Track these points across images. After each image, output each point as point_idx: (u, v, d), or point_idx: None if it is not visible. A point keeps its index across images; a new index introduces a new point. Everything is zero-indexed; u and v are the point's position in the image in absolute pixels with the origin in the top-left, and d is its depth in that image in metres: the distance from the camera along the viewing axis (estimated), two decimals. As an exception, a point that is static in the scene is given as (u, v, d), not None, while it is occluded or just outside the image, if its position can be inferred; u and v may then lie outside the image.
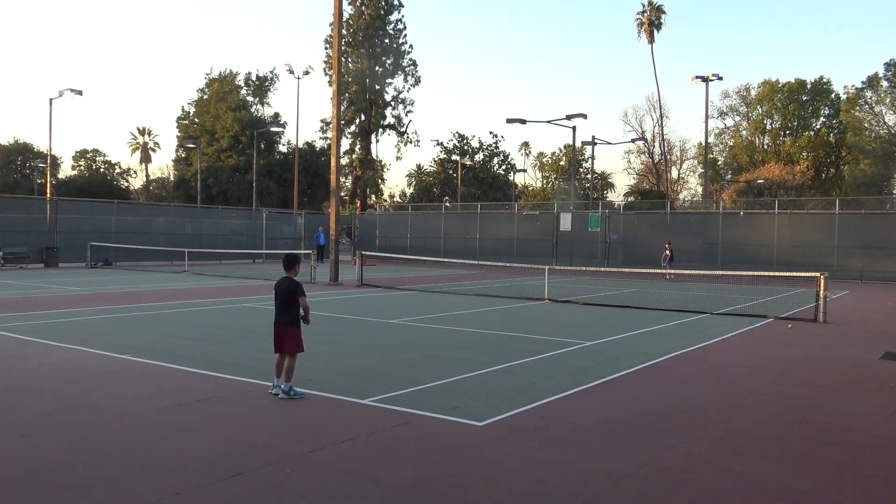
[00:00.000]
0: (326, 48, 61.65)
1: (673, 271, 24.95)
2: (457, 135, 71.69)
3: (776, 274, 21.05)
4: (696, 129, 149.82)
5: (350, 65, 60.31)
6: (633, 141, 59.97)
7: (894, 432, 6.51)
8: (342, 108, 51.15)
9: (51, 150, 39.64)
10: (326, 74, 61.11)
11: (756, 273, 21.77)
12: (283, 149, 62.45)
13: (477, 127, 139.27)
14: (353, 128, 62.53)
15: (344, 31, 56.73)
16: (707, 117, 49.48)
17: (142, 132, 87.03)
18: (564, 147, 75.56)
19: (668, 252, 27.39)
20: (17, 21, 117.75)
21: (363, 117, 62.44)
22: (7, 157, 68.97)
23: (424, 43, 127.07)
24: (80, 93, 34.53)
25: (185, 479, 4.92)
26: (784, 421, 6.80)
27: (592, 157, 47.19)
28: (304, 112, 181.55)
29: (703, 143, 55.44)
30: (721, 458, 5.63)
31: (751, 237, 32.23)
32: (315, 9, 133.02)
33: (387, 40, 61.65)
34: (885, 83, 55.53)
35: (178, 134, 64.04)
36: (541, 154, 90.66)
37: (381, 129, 64.39)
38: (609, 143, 46.21)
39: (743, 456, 5.66)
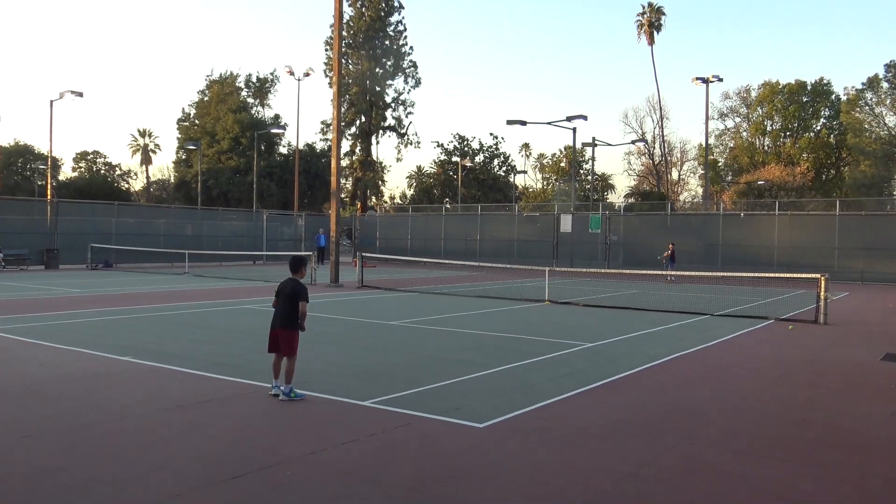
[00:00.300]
0: (327, 50, 61.76)
1: (673, 273, 24.95)
2: (457, 136, 71.77)
3: (777, 275, 20.99)
4: (697, 131, 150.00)
5: (350, 66, 60.33)
6: (633, 142, 60.08)
7: (895, 433, 6.51)
8: (342, 109, 51.09)
9: (51, 151, 39.74)
10: (327, 76, 61.19)
11: (756, 274, 21.72)
12: (283, 150, 62.51)
13: (477, 128, 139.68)
14: (353, 129, 62.54)
15: (344, 33, 56.74)
16: (707, 119, 49.51)
17: (142, 134, 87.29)
18: (565, 148, 75.73)
19: (668, 252, 27.35)
20: (18, 23, 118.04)
21: (363, 119, 62.47)
22: (8, 158, 69.10)
23: (424, 44, 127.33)
24: (80, 94, 34.49)
25: (186, 481, 4.92)
26: (784, 422, 6.80)
27: (593, 159, 47.23)
28: (304, 114, 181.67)
29: (704, 145, 55.46)
30: (721, 458, 5.63)
31: (751, 238, 32.21)
32: (315, 10, 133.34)
33: (387, 42, 61.71)
34: (885, 84, 55.49)
35: (179, 136, 64.09)
36: (541, 155, 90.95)
37: (381, 131, 64.42)
38: (609, 145, 46.42)
39: (743, 456, 5.66)
